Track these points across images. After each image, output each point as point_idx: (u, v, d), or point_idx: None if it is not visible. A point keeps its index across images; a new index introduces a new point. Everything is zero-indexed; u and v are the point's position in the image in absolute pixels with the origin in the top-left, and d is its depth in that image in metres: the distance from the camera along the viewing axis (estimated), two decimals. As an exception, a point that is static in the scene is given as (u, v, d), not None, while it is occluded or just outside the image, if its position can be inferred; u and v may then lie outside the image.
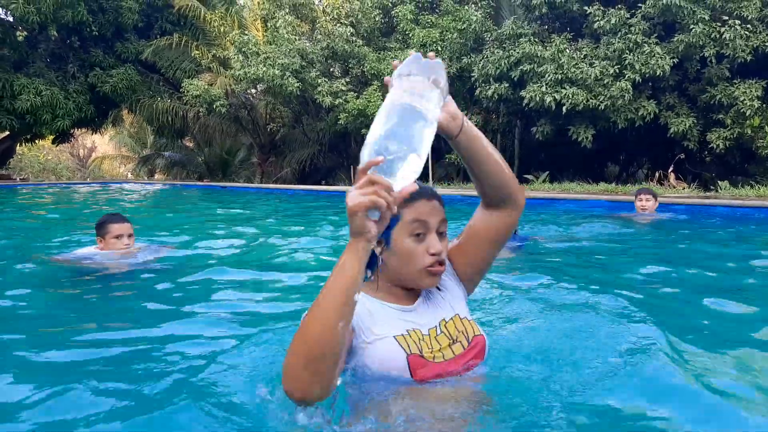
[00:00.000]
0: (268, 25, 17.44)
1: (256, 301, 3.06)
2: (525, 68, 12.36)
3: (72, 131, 22.57)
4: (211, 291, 3.30)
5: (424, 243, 1.57)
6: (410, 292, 1.68)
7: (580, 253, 4.86)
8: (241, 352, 2.09)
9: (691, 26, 11.24)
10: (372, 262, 1.57)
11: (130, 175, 34.02)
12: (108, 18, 19.70)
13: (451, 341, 1.63)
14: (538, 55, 12.10)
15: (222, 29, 18.93)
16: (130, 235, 3.98)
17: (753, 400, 1.68)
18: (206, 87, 17.46)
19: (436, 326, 1.64)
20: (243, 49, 16.79)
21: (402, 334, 1.57)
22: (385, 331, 1.56)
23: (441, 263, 1.61)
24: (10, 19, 19.04)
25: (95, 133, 25.36)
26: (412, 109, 1.24)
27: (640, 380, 1.75)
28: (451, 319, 1.67)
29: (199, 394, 1.71)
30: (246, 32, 17.90)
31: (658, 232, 6.25)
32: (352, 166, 17.62)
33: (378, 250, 1.59)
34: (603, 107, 11.72)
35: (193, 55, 19.39)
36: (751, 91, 11.35)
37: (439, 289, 1.72)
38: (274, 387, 1.64)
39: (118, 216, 4.06)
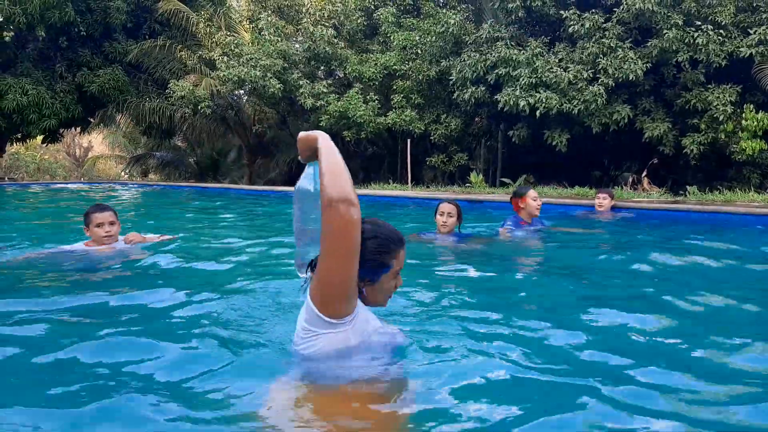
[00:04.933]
0: (253, 26, 17.47)
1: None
2: (501, 72, 12.37)
3: (61, 131, 22.62)
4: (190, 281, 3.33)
5: (396, 279, 2.01)
6: None
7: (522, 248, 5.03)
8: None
9: (665, 31, 11.25)
10: None
11: (124, 175, 34.10)
12: (96, 18, 19.77)
13: None
14: (513, 58, 12.11)
15: (208, 30, 18.98)
16: (111, 223, 4.12)
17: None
18: (191, 88, 17.50)
19: None
20: (226, 50, 16.84)
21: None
22: (389, 326, 2.05)
23: None
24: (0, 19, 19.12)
25: (83, 133, 25.43)
26: None
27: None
28: None
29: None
30: (231, 33, 17.94)
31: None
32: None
33: (361, 285, 1.92)
34: (576, 111, 11.72)
35: (178, 56, 19.44)
36: (724, 96, 11.34)
37: None
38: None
39: (100, 206, 4.23)
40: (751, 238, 5.93)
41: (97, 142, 39.60)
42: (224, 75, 16.21)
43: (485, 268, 4.10)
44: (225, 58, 16.62)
